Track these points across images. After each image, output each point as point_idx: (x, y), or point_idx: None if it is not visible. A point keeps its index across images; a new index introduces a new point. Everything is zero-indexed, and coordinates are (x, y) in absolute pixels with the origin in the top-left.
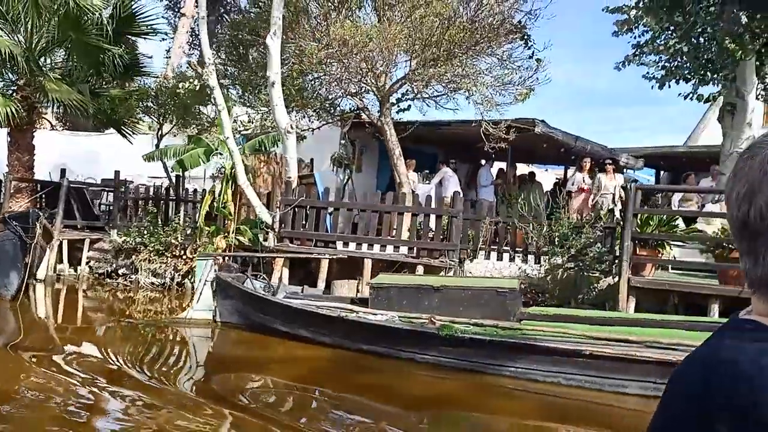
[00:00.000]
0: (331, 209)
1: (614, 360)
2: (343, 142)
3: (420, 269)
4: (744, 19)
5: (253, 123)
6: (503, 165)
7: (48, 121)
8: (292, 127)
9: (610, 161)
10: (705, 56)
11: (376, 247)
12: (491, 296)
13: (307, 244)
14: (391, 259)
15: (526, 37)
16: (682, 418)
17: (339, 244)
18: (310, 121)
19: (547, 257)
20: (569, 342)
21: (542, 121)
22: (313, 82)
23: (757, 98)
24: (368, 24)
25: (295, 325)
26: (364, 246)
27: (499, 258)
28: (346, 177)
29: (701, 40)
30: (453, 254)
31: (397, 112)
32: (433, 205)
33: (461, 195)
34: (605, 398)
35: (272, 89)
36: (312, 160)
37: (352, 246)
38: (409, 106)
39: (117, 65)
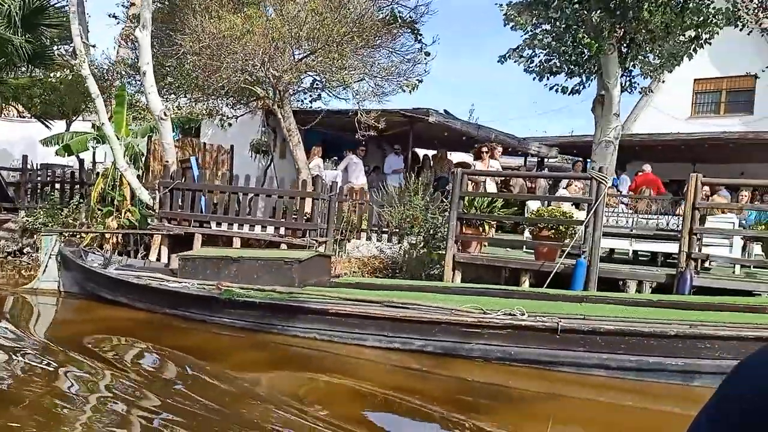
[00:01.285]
0: (219, 194)
1: (354, 317)
2: (263, 129)
3: (284, 247)
4: (596, 19)
5: (180, 110)
6: (430, 152)
7: None
8: (165, 114)
9: (486, 149)
10: (570, 51)
11: (257, 228)
12: (279, 266)
13: (183, 224)
14: (257, 238)
15: (415, 32)
16: None
17: (213, 224)
18: (234, 109)
19: (407, 237)
20: (326, 303)
21: (445, 111)
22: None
23: (623, 91)
24: (244, 17)
25: (117, 293)
26: (247, 227)
27: (379, 239)
28: (268, 162)
29: (567, 36)
30: (314, 234)
31: (312, 101)
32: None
33: (364, 180)
34: (349, 350)
35: (144, 78)
36: (232, 146)
37: (243, 227)
38: (320, 95)
39: (22, 55)
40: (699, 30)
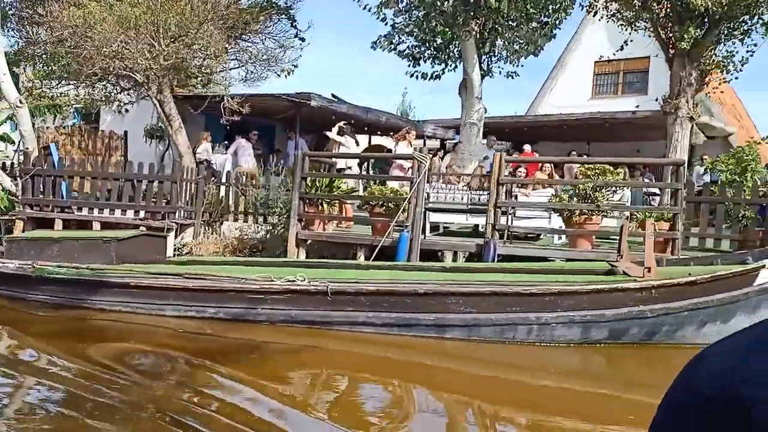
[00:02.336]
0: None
1: (154, 289)
2: (157, 114)
3: (142, 229)
4: (449, 9)
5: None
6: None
7: None
8: (21, 102)
9: (392, 132)
10: (430, 39)
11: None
12: (97, 245)
13: (45, 209)
14: (117, 221)
15: (291, 19)
16: None
17: (75, 209)
18: (129, 95)
19: (270, 217)
20: (127, 278)
21: (332, 95)
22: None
23: (485, 75)
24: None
25: None
26: (107, 211)
27: (255, 221)
28: (165, 147)
29: (425, 24)
30: (174, 216)
31: (203, 86)
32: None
33: (253, 163)
34: (150, 320)
35: None
36: (126, 132)
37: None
38: (209, 80)
39: None
40: (548, 17)
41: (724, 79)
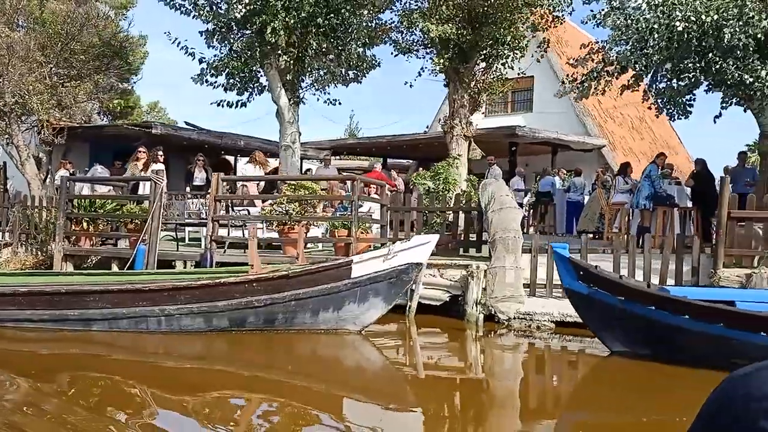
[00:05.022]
0: None
1: None
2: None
3: None
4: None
5: None
6: None
7: None
8: None
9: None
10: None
11: None
12: None
13: None
14: None
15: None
16: None
17: None
18: None
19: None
20: None
21: (186, 122)
22: None
23: (297, 103)
24: None
25: None
26: None
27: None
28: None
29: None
30: None
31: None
32: None
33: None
34: None
35: None
36: (5, 162)
37: None
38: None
39: None
40: (342, 50)
41: (492, 99)
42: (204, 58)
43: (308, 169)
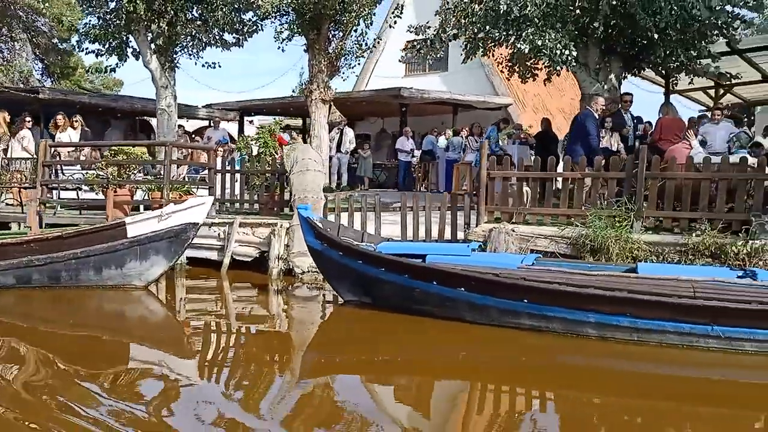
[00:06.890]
0: None
1: None
2: None
3: None
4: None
5: None
6: None
7: None
8: None
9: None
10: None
11: None
12: None
13: None
14: None
15: None
16: None
17: None
18: None
19: None
20: None
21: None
22: None
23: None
24: None
25: None
26: None
27: None
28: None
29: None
30: None
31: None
32: None
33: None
34: None
35: None
36: None
37: None
38: None
39: None
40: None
41: (350, 65)
42: (75, 27)
43: (181, 126)
